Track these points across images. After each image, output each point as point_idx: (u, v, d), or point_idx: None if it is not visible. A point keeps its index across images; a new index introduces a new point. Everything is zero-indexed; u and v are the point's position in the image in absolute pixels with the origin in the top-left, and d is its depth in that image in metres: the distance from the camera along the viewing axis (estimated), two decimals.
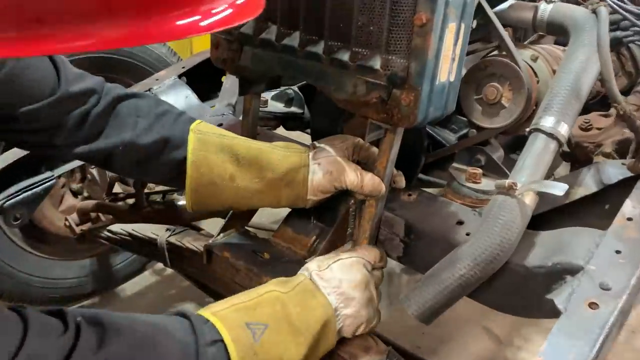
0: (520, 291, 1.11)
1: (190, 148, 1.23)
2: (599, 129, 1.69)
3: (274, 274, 1.32)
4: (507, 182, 1.09)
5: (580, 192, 1.24)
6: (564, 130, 1.14)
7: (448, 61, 1.08)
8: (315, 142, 1.29)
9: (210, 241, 1.45)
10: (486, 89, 1.29)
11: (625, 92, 1.81)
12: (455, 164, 1.40)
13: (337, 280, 1.10)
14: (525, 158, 1.14)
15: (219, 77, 1.96)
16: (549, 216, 1.24)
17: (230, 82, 1.84)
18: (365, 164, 1.28)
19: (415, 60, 1.04)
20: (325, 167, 1.22)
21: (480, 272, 1.07)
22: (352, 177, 1.20)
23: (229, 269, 1.43)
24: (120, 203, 2.01)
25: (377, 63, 1.06)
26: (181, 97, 1.77)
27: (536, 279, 1.09)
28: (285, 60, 1.25)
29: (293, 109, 1.71)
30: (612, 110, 1.71)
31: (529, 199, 1.10)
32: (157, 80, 1.81)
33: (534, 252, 1.12)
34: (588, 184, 1.25)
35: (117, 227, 1.84)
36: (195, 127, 1.26)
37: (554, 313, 1.08)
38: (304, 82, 1.80)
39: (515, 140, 1.57)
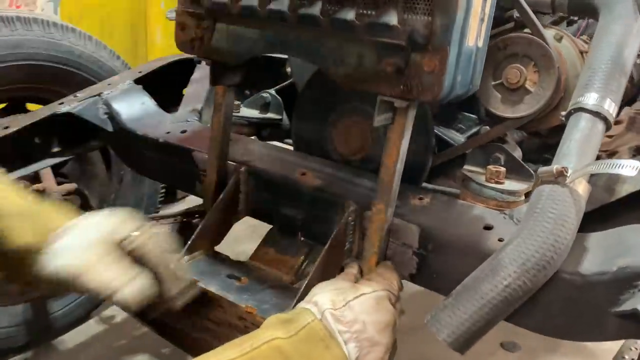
0: (576, 307, 0.88)
1: None
2: (609, 136, 1.53)
3: (256, 302, 1.06)
4: (554, 167, 0.87)
5: (626, 189, 1.03)
6: (611, 108, 0.95)
7: (477, 20, 0.88)
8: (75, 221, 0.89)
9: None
10: (507, 72, 1.10)
11: (629, 101, 1.67)
12: (467, 167, 1.19)
13: (361, 323, 0.86)
14: (569, 142, 0.94)
15: (181, 88, 1.72)
16: (590, 217, 1.03)
17: (194, 88, 1.60)
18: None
19: (442, 14, 0.83)
20: (62, 261, 0.85)
21: (529, 281, 0.83)
22: (100, 278, 0.84)
23: (200, 295, 1.15)
24: None
25: (393, 18, 0.85)
26: (137, 104, 1.52)
27: (597, 290, 0.86)
28: (270, 34, 1.03)
29: (270, 115, 1.49)
30: (623, 116, 1.55)
31: (582, 189, 0.88)
32: (109, 85, 1.56)
33: (589, 257, 0.89)
34: (634, 181, 1.05)
35: None
36: None
37: (621, 332, 0.85)
38: (284, 84, 1.58)
39: (536, 145, 1.37)
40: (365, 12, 0.88)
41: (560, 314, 0.90)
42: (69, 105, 1.47)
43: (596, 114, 0.94)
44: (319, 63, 0.99)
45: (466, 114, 1.28)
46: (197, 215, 1.95)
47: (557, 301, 0.89)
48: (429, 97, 0.87)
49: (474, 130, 1.26)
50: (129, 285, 0.85)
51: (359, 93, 1.27)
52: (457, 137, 1.27)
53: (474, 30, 0.88)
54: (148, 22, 2.70)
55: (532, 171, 1.14)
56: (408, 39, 0.84)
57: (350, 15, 0.89)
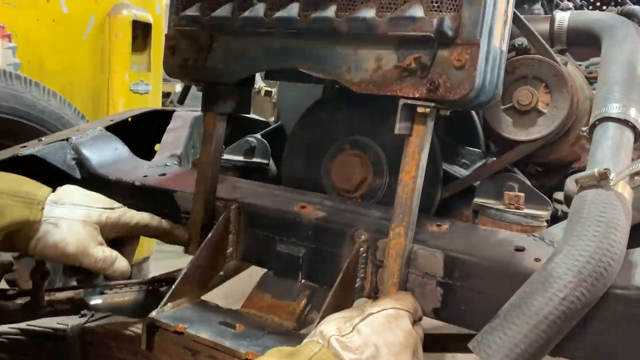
0: (631, 326, 0.78)
1: None
2: None
3: (259, 347, 0.91)
4: (595, 170, 0.81)
5: None
6: (635, 115, 0.91)
7: (501, 21, 0.85)
8: (60, 189, 1.06)
9: (154, 313, 1.00)
10: (517, 94, 1.06)
11: None
12: (478, 200, 1.11)
13: (373, 347, 0.74)
14: (601, 150, 0.88)
15: (154, 140, 1.61)
16: None
17: (172, 135, 1.50)
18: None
19: (471, 5, 0.79)
20: (62, 235, 0.99)
21: (587, 291, 0.73)
22: (95, 258, 1.02)
23: (183, 351, 0.98)
24: (8, 302, 1.49)
25: (418, 10, 0.80)
26: (108, 150, 1.40)
27: None
28: (274, 47, 0.97)
29: (256, 159, 1.39)
30: None
31: (627, 194, 0.81)
32: (77, 131, 1.43)
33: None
34: None
35: (3, 327, 1.31)
36: None
37: None
38: (269, 127, 1.50)
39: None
40: (386, 8, 0.83)
41: (617, 337, 0.79)
42: (32, 148, 1.33)
43: (624, 122, 0.90)
44: (330, 72, 0.92)
45: (469, 148, 1.22)
46: (164, 284, 1.78)
47: (611, 321, 0.79)
48: (457, 96, 0.81)
49: (479, 164, 1.20)
50: (117, 262, 1.04)
51: (358, 127, 1.21)
52: (462, 172, 1.20)
53: (499, 31, 0.84)
54: (111, 93, 2.62)
55: (548, 199, 1.08)
56: (436, 30, 0.78)
57: (370, 13, 0.84)
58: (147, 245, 3.00)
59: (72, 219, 1.01)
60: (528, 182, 1.09)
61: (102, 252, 1.03)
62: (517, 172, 1.16)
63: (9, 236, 0.96)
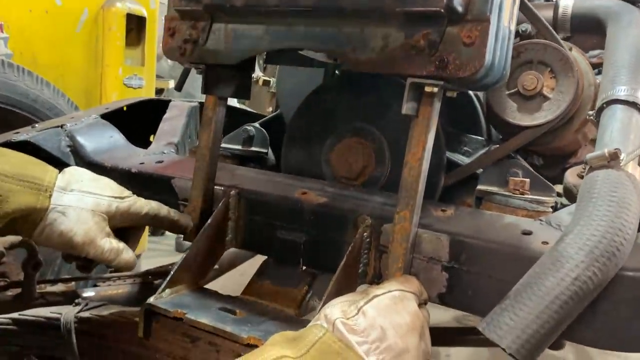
0: None
1: None
2: None
3: (261, 332, 0.89)
4: (606, 150, 0.79)
5: None
6: None
7: (510, 0, 0.83)
8: (68, 171, 1.00)
9: (151, 299, 0.97)
10: (522, 79, 1.05)
11: None
12: (482, 187, 1.09)
13: (379, 330, 0.72)
14: (610, 132, 0.87)
15: (150, 130, 1.59)
16: None
17: (168, 124, 1.47)
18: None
19: None
20: (69, 225, 0.95)
21: (600, 271, 0.72)
22: (102, 249, 0.98)
23: (181, 339, 0.95)
24: None
25: None
26: (104, 137, 1.37)
27: None
28: (276, 28, 0.95)
29: (254, 148, 1.36)
30: None
31: (638, 174, 0.80)
32: (72, 118, 1.40)
33: None
34: None
35: None
36: None
37: None
38: (268, 116, 1.48)
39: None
40: None
41: (629, 321, 0.77)
42: (26, 134, 1.30)
43: (632, 104, 0.89)
44: (335, 51, 0.90)
45: (472, 136, 1.21)
46: (158, 277, 1.75)
47: (622, 305, 0.77)
48: (467, 73, 0.79)
49: (482, 152, 1.18)
50: (123, 253, 1.01)
51: (359, 114, 1.19)
52: (464, 160, 1.19)
53: (508, 9, 0.83)
54: (104, 87, 2.59)
55: (551, 185, 1.06)
56: (446, 6, 0.77)
57: None
58: (139, 242, 2.97)
59: (80, 207, 0.96)
60: (531, 169, 1.08)
61: (110, 244, 0.99)
62: (520, 159, 1.15)
63: (13, 222, 0.92)
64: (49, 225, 0.94)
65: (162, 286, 1.01)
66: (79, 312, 1.11)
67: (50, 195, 0.94)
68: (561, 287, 0.71)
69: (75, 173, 1.01)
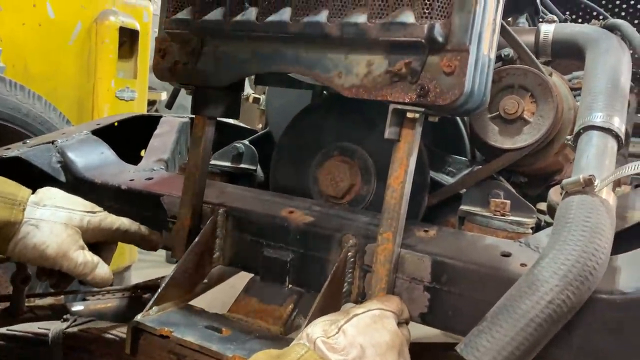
0: (621, 330, 0.79)
1: None
2: None
3: (245, 351, 0.90)
4: (580, 176, 0.82)
5: (638, 216, 0.99)
6: (620, 125, 0.93)
7: (490, 29, 0.86)
8: (41, 190, 1.05)
9: (139, 317, 0.99)
10: (504, 103, 1.08)
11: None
12: (464, 207, 1.12)
13: (358, 348, 0.75)
14: (586, 157, 0.90)
15: (141, 146, 1.60)
16: None
17: (158, 140, 1.49)
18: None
19: (461, 12, 0.80)
20: (42, 237, 0.98)
21: (573, 294, 0.74)
22: (75, 262, 1.00)
23: (167, 356, 0.97)
24: None
25: (409, 16, 0.81)
26: (94, 153, 1.39)
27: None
28: (264, 51, 0.97)
29: (243, 165, 1.38)
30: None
31: (611, 200, 0.83)
32: (63, 134, 1.42)
33: (624, 276, 0.82)
34: None
35: None
36: None
37: None
38: (258, 134, 1.50)
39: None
40: (377, 14, 0.84)
41: (602, 341, 0.80)
42: (17, 150, 1.31)
43: (607, 131, 0.92)
44: (321, 76, 0.92)
45: (456, 156, 1.23)
46: (146, 291, 1.76)
47: (596, 326, 0.80)
48: (447, 101, 0.82)
49: (465, 172, 1.21)
50: (98, 268, 1.02)
51: (346, 133, 1.22)
52: (448, 180, 1.22)
53: (488, 39, 0.86)
54: (96, 100, 2.61)
55: (532, 207, 1.09)
56: (427, 36, 0.80)
57: (361, 18, 0.85)
58: (129, 254, 2.97)
59: (53, 221, 1.00)
60: (513, 190, 1.10)
61: (83, 257, 1.02)
62: (503, 180, 1.17)
63: None
64: (22, 238, 0.96)
65: (150, 303, 1.02)
66: (67, 328, 1.12)
67: (24, 210, 0.97)
68: (536, 310, 0.74)
69: (48, 192, 1.05)
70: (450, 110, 0.85)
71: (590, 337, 0.80)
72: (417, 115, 0.86)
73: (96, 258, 1.04)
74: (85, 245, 1.03)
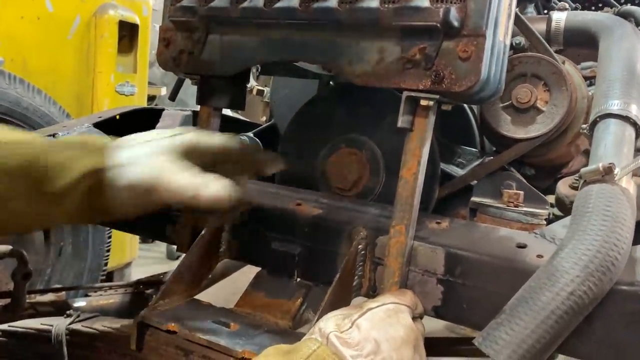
0: (638, 322, 0.77)
1: None
2: None
3: (255, 346, 0.88)
4: (600, 165, 0.80)
5: None
6: (636, 112, 0.91)
7: (506, 15, 0.84)
8: (119, 140, 0.92)
9: (144, 312, 0.96)
10: (517, 92, 1.06)
11: None
12: (475, 199, 1.10)
13: (373, 343, 0.72)
14: (603, 146, 0.88)
15: None
16: None
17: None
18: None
19: None
20: (131, 174, 0.84)
21: (595, 286, 0.72)
22: (179, 181, 0.83)
23: (175, 352, 0.95)
24: None
25: (424, 0, 0.79)
26: None
27: None
28: (272, 39, 0.95)
29: None
30: None
31: (632, 189, 0.81)
32: (64, 127, 1.40)
33: None
34: None
35: None
36: None
37: None
38: (262, 126, 1.47)
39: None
40: None
41: (623, 333, 0.78)
42: None
43: (625, 118, 0.90)
44: (331, 64, 0.90)
45: (465, 147, 1.21)
46: (149, 286, 1.74)
47: (617, 318, 0.78)
48: (463, 88, 0.79)
49: (476, 163, 1.19)
50: (211, 183, 0.82)
51: (353, 125, 1.19)
52: (458, 172, 1.19)
53: (504, 24, 0.83)
54: (95, 94, 2.58)
55: (545, 198, 1.07)
56: (442, 20, 0.77)
57: (373, 3, 0.82)
58: (129, 251, 2.95)
59: (144, 154, 0.86)
60: (525, 181, 1.08)
61: (187, 178, 0.84)
62: (514, 171, 1.15)
63: (83, 191, 0.85)
64: (117, 180, 0.84)
65: (155, 298, 1.00)
66: (70, 323, 1.10)
67: (112, 154, 0.87)
68: (557, 302, 0.71)
69: (127, 136, 0.93)
70: (465, 97, 0.82)
71: (611, 329, 0.78)
72: (431, 102, 0.83)
73: (201, 177, 0.84)
74: (186, 167, 0.86)
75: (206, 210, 0.85)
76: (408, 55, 0.81)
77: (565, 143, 1.10)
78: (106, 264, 2.10)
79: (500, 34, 0.83)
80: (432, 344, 1.59)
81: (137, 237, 2.80)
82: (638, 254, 0.83)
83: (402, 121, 0.85)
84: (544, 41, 1.05)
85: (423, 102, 0.84)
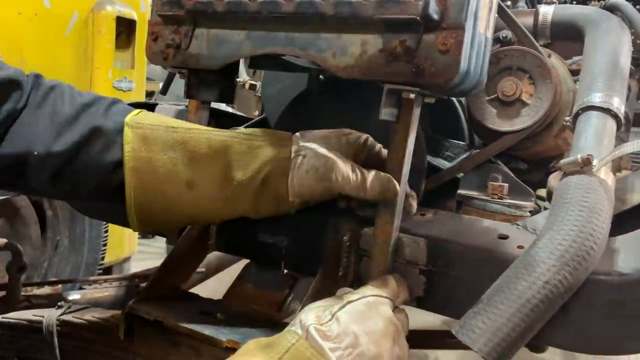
0: (619, 313, 0.78)
1: (127, 149, 0.90)
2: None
3: (240, 335, 0.89)
4: (579, 156, 0.81)
5: (636, 198, 0.98)
6: (619, 105, 0.91)
7: (487, 8, 0.84)
8: (299, 133, 0.98)
9: (132, 303, 0.98)
10: (502, 85, 1.07)
11: None
12: (462, 191, 1.11)
13: (352, 336, 0.73)
14: (584, 138, 0.88)
15: None
16: None
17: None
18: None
19: None
20: (310, 162, 0.91)
21: (570, 275, 0.73)
22: (348, 174, 0.90)
23: (162, 342, 0.96)
24: None
25: None
26: None
27: (638, 287, 0.76)
28: (257, 33, 0.96)
29: None
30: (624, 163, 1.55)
31: (610, 180, 0.81)
32: None
33: (622, 256, 0.81)
34: None
35: None
36: (132, 119, 0.92)
37: None
38: (254, 120, 1.48)
39: None
40: None
41: (600, 324, 0.79)
42: None
43: (606, 111, 0.91)
44: (315, 57, 0.91)
45: (453, 141, 1.22)
46: (144, 280, 1.75)
47: (594, 307, 0.79)
48: (443, 80, 0.80)
49: (463, 157, 1.19)
50: (376, 178, 0.88)
51: (343, 118, 1.20)
52: (446, 165, 1.20)
53: (484, 17, 0.84)
54: (93, 90, 2.58)
55: (531, 190, 1.08)
56: (422, 13, 0.78)
57: None
58: (128, 245, 2.96)
59: (316, 148, 0.94)
60: (511, 174, 1.09)
61: (356, 171, 0.91)
62: (501, 164, 1.16)
63: (262, 184, 0.92)
64: (297, 168, 0.92)
65: (144, 289, 1.02)
66: (61, 314, 1.11)
67: (294, 144, 0.94)
68: (532, 291, 0.73)
69: (305, 131, 1.01)
70: (446, 90, 0.83)
71: (587, 319, 0.79)
72: (412, 95, 0.84)
73: (367, 172, 0.91)
74: (354, 163, 0.93)
75: (369, 202, 0.92)
76: (389, 48, 0.82)
77: (552, 136, 1.11)
78: (103, 258, 2.11)
79: (481, 27, 0.83)
80: (425, 336, 1.61)
81: (136, 234, 2.82)
82: (617, 244, 0.84)
83: (384, 113, 0.85)
84: (529, 34, 1.05)
85: (405, 95, 0.85)
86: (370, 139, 0.99)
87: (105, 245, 2.15)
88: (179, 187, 0.90)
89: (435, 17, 0.79)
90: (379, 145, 0.98)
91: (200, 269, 1.84)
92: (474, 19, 0.81)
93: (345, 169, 0.90)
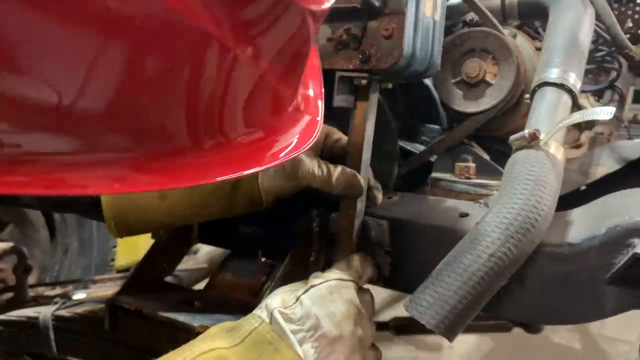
0: (567, 282, 0.79)
1: None
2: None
3: (213, 321, 0.93)
4: (526, 132, 0.82)
5: (600, 172, 0.98)
6: (575, 81, 0.92)
7: None
8: None
9: (116, 294, 1.03)
10: (466, 67, 1.08)
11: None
12: (435, 174, 1.13)
13: (314, 318, 0.76)
14: (537, 113, 0.90)
15: None
16: (566, 199, 0.96)
17: None
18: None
19: None
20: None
21: (515, 247, 0.75)
22: (314, 170, 0.92)
23: (144, 329, 1.01)
24: None
25: None
26: None
27: (588, 257, 0.77)
28: None
29: None
30: (583, 138, 1.55)
31: (560, 154, 0.83)
32: None
33: (574, 228, 0.82)
34: (607, 163, 1.00)
35: None
36: None
37: (620, 303, 0.77)
38: None
39: None
40: None
41: (550, 294, 0.80)
42: None
43: (560, 86, 0.91)
44: None
45: (429, 125, 1.24)
46: None
47: (544, 279, 0.80)
48: (388, 64, 0.83)
49: (439, 139, 1.21)
50: (340, 172, 0.90)
51: None
52: (421, 149, 1.22)
53: (430, 1, 0.86)
54: None
55: (501, 169, 1.09)
56: (362, 1, 0.81)
57: None
58: (144, 247, 3.03)
59: None
60: (483, 154, 1.11)
61: (322, 165, 0.92)
62: (474, 145, 1.18)
63: (235, 185, 0.95)
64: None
65: (127, 281, 1.06)
66: (56, 310, 1.17)
67: None
68: (478, 264, 0.74)
69: None
70: (394, 73, 0.85)
71: (539, 290, 0.81)
72: (364, 81, 0.87)
73: (333, 167, 0.92)
74: (320, 160, 0.94)
75: (338, 195, 0.94)
76: (336, 36, 0.85)
77: (521, 115, 1.12)
78: (112, 260, 2.18)
79: (426, 10, 0.85)
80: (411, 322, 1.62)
81: (149, 235, 2.87)
82: (571, 217, 0.85)
83: (337, 100, 0.88)
84: (489, 15, 1.07)
85: (356, 82, 0.87)
86: (332, 130, 1.01)
87: (114, 246, 2.23)
88: (151, 199, 0.94)
89: (377, 3, 0.81)
90: (338, 135, 0.99)
91: (204, 265, 1.89)
92: (416, 3, 0.83)
93: (311, 165, 0.92)
